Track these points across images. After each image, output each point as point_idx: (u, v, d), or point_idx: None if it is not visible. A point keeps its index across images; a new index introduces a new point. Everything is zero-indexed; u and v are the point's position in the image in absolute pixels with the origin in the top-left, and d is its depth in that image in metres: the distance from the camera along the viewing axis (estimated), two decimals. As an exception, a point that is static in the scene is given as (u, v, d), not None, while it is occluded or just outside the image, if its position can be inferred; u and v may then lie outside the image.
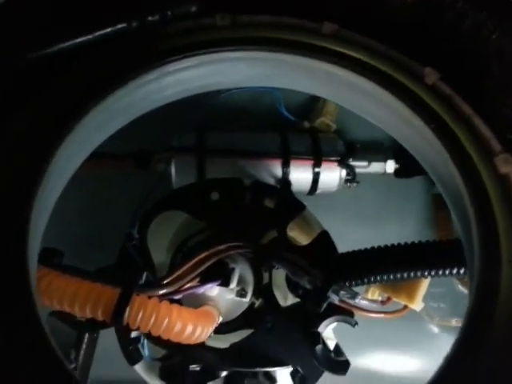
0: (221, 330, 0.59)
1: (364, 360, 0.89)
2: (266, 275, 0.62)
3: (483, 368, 0.30)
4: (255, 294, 0.60)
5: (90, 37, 0.41)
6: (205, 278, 0.54)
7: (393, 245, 0.51)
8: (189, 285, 0.53)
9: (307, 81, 0.46)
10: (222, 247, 0.55)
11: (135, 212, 0.62)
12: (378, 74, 0.40)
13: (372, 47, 0.41)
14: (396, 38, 0.40)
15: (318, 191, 0.78)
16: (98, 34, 0.41)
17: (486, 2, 0.39)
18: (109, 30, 0.41)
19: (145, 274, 0.49)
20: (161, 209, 0.62)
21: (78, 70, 0.41)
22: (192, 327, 0.48)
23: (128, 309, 0.45)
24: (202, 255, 0.54)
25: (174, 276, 0.51)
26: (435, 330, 0.88)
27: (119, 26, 0.41)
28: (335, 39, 0.42)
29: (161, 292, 0.49)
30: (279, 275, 0.61)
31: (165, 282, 0.51)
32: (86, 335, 0.54)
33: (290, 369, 0.58)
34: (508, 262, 0.32)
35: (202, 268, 0.53)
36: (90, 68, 0.42)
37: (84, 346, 0.55)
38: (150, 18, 0.41)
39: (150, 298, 0.48)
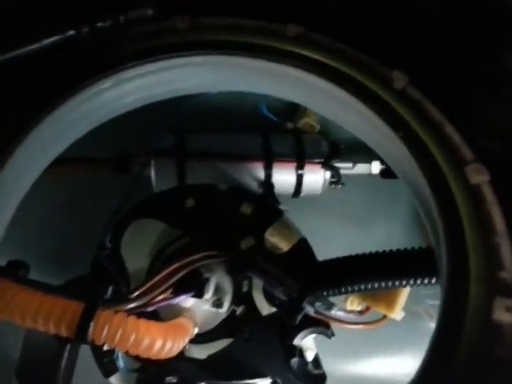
0: (198, 340, 0.57)
1: (362, 362, 0.87)
2: (246, 282, 0.60)
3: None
4: (235, 302, 0.59)
5: (36, 45, 0.38)
6: (178, 289, 0.53)
7: (370, 253, 0.49)
8: (161, 296, 0.52)
9: (274, 85, 0.44)
10: (195, 257, 0.53)
11: (109, 220, 0.60)
12: (345, 78, 0.37)
13: (338, 50, 0.39)
14: (362, 40, 0.38)
15: (303, 194, 0.75)
16: (45, 42, 0.39)
17: (449, 4, 0.37)
18: (57, 37, 0.39)
19: (111, 288, 0.48)
20: (134, 217, 0.60)
21: (26, 80, 0.39)
22: (161, 342, 0.46)
23: (93, 324, 0.44)
24: (175, 265, 0.52)
25: (144, 288, 0.50)
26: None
27: (68, 33, 0.39)
28: (300, 42, 0.39)
29: (128, 306, 0.47)
30: (260, 282, 0.59)
31: (134, 294, 0.49)
32: (68, 346, 0.53)
33: (268, 380, 0.56)
34: (476, 281, 0.30)
35: (175, 279, 0.52)
36: (39, 78, 0.39)
37: (66, 355, 0.53)
38: (100, 24, 0.39)
39: (117, 312, 0.46)
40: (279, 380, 0.55)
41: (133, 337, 0.45)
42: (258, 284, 0.59)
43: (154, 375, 0.57)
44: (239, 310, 0.59)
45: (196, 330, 0.55)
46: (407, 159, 0.35)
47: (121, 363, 0.57)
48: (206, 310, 0.56)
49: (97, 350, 0.56)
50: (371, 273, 0.48)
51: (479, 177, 0.34)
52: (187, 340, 0.52)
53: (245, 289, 0.60)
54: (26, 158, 0.38)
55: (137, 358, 0.50)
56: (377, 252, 0.49)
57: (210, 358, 0.57)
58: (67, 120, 0.40)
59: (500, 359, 0.28)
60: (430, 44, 0.38)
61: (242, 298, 0.59)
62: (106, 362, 0.56)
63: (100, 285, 0.50)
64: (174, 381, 0.57)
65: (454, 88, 0.37)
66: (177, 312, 0.56)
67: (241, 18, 0.40)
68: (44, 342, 0.53)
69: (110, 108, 0.43)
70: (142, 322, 0.46)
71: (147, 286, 0.50)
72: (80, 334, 0.43)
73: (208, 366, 0.56)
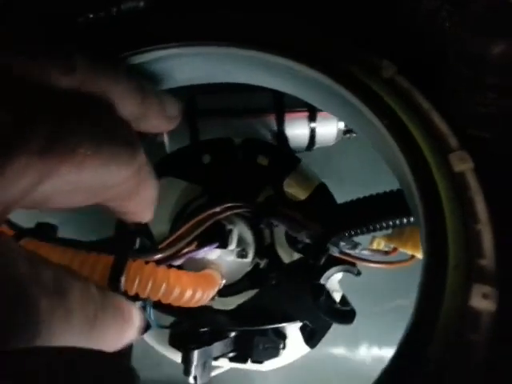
0: (226, 292, 0.58)
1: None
2: (268, 235, 0.61)
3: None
4: (258, 255, 0.60)
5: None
6: (202, 242, 0.53)
7: (391, 191, 0.49)
8: (186, 249, 0.52)
9: (265, 76, 0.42)
10: (217, 209, 0.54)
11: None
12: (333, 67, 0.36)
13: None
14: (349, 28, 0.37)
15: (317, 145, 0.75)
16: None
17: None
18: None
19: (138, 240, 0.48)
20: (153, 176, 0.60)
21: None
22: (191, 291, 0.47)
23: (124, 275, 0.45)
24: (198, 218, 0.53)
25: (170, 240, 0.50)
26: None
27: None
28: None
29: (157, 257, 0.48)
30: (282, 234, 0.60)
31: (160, 246, 0.50)
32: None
33: (299, 324, 0.58)
34: (454, 267, 0.29)
35: (198, 231, 0.52)
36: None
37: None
38: (92, 16, 0.38)
39: (147, 263, 0.47)
40: (308, 322, 0.57)
41: (164, 286, 0.46)
42: (280, 237, 0.60)
43: (187, 329, 0.59)
44: (263, 263, 0.60)
45: (223, 281, 0.57)
46: (392, 146, 0.34)
47: (153, 320, 0.59)
48: (232, 261, 0.57)
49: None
50: (391, 209, 0.48)
51: (463, 165, 0.33)
52: (216, 289, 0.53)
53: (267, 241, 0.61)
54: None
55: (168, 308, 0.52)
56: (398, 189, 0.49)
57: (240, 306, 0.58)
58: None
59: (476, 346, 0.27)
60: (420, 32, 0.37)
61: (264, 250, 0.60)
62: (139, 319, 0.58)
63: (127, 240, 0.50)
64: (207, 331, 0.58)
65: (443, 77, 0.36)
66: (203, 265, 0.57)
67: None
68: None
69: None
70: (172, 272, 0.47)
71: (172, 238, 0.51)
72: (113, 284, 0.44)
73: (238, 314, 0.58)
